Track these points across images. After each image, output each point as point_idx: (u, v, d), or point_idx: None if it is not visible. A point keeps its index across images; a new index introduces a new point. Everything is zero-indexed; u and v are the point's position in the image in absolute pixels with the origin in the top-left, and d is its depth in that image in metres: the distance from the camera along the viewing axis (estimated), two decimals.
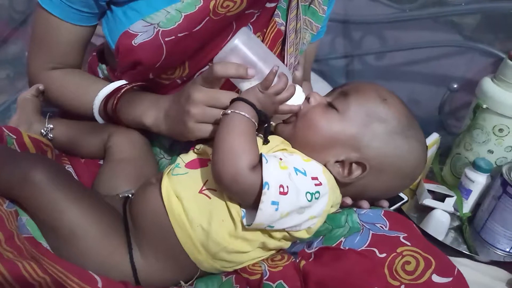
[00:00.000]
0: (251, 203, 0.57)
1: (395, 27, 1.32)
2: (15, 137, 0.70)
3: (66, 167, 0.77)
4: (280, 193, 0.55)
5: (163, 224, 0.60)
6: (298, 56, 0.84)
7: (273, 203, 0.55)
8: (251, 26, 0.77)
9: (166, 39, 0.69)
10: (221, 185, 0.57)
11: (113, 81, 0.79)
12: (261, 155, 0.58)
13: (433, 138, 1.06)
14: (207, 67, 0.77)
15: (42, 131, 0.78)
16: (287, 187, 0.56)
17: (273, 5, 0.79)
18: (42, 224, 0.60)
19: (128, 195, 0.68)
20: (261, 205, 0.55)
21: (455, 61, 1.26)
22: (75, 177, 0.76)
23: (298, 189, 0.57)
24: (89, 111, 0.78)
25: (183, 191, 0.61)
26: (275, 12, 0.80)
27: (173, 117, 0.68)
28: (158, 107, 0.71)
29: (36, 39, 0.79)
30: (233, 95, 0.63)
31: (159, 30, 0.69)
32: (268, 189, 0.55)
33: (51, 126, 0.78)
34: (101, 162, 0.80)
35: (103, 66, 0.83)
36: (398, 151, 0.64)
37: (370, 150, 0.63)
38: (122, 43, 0.71)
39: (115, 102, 0.74)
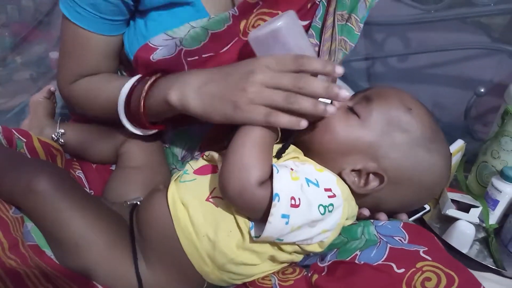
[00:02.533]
0: (259, 217, 0.55)
1: (419, 29, 1.29)
2: (25, 140, 0.69)
3: (76, 172, 0.76)
4: (291, 205, 0.53)
5: (168, 233, 0.59)
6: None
7: (284, 216, 0.52)
8: None
9: (189, 59, 0.65)
10: (226, 198, 0.55)
11: None
12: (271, 165, 0.55)
13: (458, 145, 1.01)
14: None
15: (53, 135, 0.77)
16: (299, 199, 0.53)
17: (305, 23, 0.75)
18: (46, 234, 0.59)
19: (136, 203, 0.67)
20: (270, 218, 0.52)
21: (482, 63, 1.22)
22: (85, 182, 0.76)
23: (310, 201, 0.54)
24: (113, 109, 0.70)
25: (189, 198, 0.59)
26: (309, 32, 0.75)
27: (214, 92, 0.57)
28: (186, 80, 0.60)
29: (66, 51, 0.75)
30: (298, 76, 0.55)
31: (182, 49, 0.65)
32: (278, 201, 0.52)
33: (62, 131, 0.78)
34: (112, 167, 0.79)
35: (121, 66, 0.80)
36: (419, 165, 0.61)
37: (388, 161, 0.60)
38: (141, 56, 0.68)
39: (146, 87, 0.64)
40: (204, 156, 0.65)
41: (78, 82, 0.76)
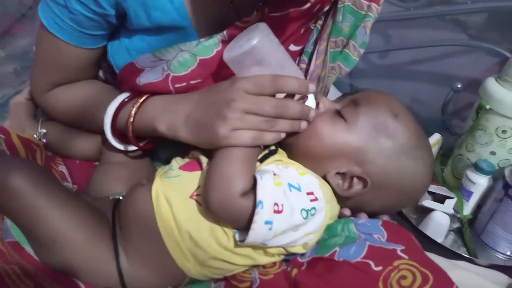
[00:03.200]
0: (243, 225, 0.55)
1: (399, 26, 1.30)
2: (3, 137, 0.67)
3: (59, 168, 0.75)
4: (275, 211, 0.53)
5: (150, 228, 0.59)
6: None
7: (267, 222, 0.53)
8: None
9: (177, 85, 0.64)
10: (210, 210, 0.55)
11: (113, 82, 0.74)
12: (254, 174, 0.56)
13: (435, 139, 1.04)
14: None
15: (35, 136, 0.76)
16: (282, 205, 0.53)
17: (297, 48, 0.74)
18: (24, 231, 0.58)
19: (119, 198, 0.66)
20: (253, 225, 0.53)
21: (460, 60, 1.24)
22: (68, 178, 0.75)
23: (292, 206, 0.54)
24: (96, 124, 0.69)
25: (173, 194, 0.59)
26: (301, 57, 0.74)
27: (199, 121, 0.59)
28: (173, 110, 0.62)
29: (42, 62, 0.72)
30: (278, 102, 0.57)
31: (169, 74, 0.63)
32: (262, 208, 0.52)
33: (44, 130, 0.77)
34: (96, 163, 0.78)
35: (105, 65, 0.78)
36: (403, 171, 0.61)
37: (373, 166, 0.61)
38: (125, 77, 0.65)
39: (133, 113, 0.64)
40: (190, 154, 0.65)
41: (54, 91, 0.74)
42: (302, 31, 0.72)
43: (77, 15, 0.64)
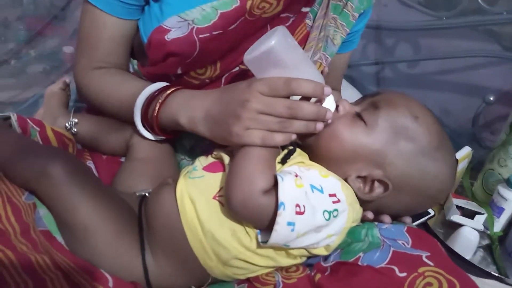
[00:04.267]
0: (265, 226, 0.55)
1: (429, 35, 1.28)
2: (38, 129, 0.70)
3: (87, 163, 0.77)
4: (296, 212, 0.53)
5: (175, 227, 0.59)
6: (328, 58, 0.81)
7: (289, 223, 0.53)
8: None
9: (200, 36, 0.68)
10: (231, 209, 0.56)
11: (143, 77, 0.78)
12: (275, 175, 0.56)
13: (465, 152, 1.01)
14: (237, 68, 0.76)
15: (67, 125, 0.79)
16: (304, 206, 0.53)
17: (308, 9, 0.78)
18: (57, 219, 0.60)
19: (145, 194, 0.68)
20: (276, 226, 0.53)
21: (491, 72, 1.21)
22: (95, 173, 0.77)
23: (314, 208, 0.54)
24: (124, 110, 0.74)
25: (197, 195, 0.60)
26: (308, 15, 0.79)
27: (216, 119, 0.63)
28: (194, 105, 0.66)
29: (82, 36, 0.78)
30: (292, 103, 0.58)
31: (193, 27, 0.68)
32: (284, 209, 0.52)
33: (76, 120, 0.79)
34: (122, 159, 0.80)
35: (134, 61, 0.82)
36: (424, 174, 0.61)
37: (394, 169, 0.60)
38: (154, 37, 0.70)
39: (157, 108, 0.68)
40: (213, 154, 0.66)
41: (93, 73, 0.78)
42: None
43: None
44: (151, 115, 0.69)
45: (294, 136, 0.60)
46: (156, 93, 0.70)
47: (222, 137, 0.62)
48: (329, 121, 0.61)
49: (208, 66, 0.74)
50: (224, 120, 0.61)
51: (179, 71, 0.73)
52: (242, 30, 0.70)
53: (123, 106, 0.74)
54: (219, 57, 0.73)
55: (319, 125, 0.60)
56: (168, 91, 0.69)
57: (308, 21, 0.79)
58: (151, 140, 0.74)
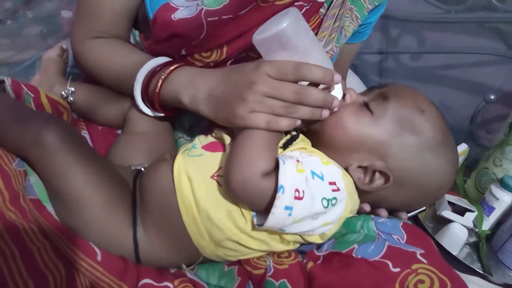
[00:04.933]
0: (263, 208, 0.54)
1: (435, 28, 1.27)
2: (32, 95, 0.68)
3: (82, 132, 0.76)
4: (295, 197, 0.52)
5: (170, 203, 0.59)
6: (337, 47, 0.79)
7: (287, 207, 0.52)
8: None
9: (209, 19, 0.66)
10: (230, 190, 0.55)
11: (144, 49, 0.75)
12: (277, 158, 0.55)
13: (462, 149, 1.02)
14: (244, 54, 0.74)
15: (63, 93, 0.77)
16: (303, 191, 0.53)
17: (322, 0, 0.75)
18: (48, 187, 0.59)
19: (140, 169, 0.67)
20: (273, 209, 0.52)
21: (494, 70, 1.20)
22: (90, 143, 0.75)
23: (314, 194, 0.54)
24: (123, 83, 0.72)
25: (194, 173, 0.59)
26: (323, 5, 0.76)
27: (220, 99, 0.61)
28: (197, 84, 0.64)
29: (82, 5, 0.75)
30: (299, 88, 0.57)
31: (202, 8, 0.66)
32: (283, 192, 0.52)
33: (72, 89, 0.77)
34: (118, 131, 0.78)
35: (136, 32, 0.79)
36: (425, 169, 0.60)
37: (396, 161, 0.60)
38: (161, 15, 0.67)
39: (159, 84, 0.66)
40: (213, 134, 0.65)
41: (91, 42, 0.75)
42: None
43: None
44: (153, 91, 0.67)
45: (299, 122, 0.59)
46: (158, 68, 0.67)
47: (225, 118, 0.60)
48: (336, 109, 0.60)
49: (214, 50, 0.71)
50: (229, 101, 0.59)
51: (183, 52, 0.71)
52: (253, 16, 0.67)
53: (123, 79, 0.71)
54: (226, 41, 0.71)
55: (325, 112, 0.59)
56: (171, 67, 0.67)
57: (322, 10, 0.76)
58: (147, 115, 0.72)
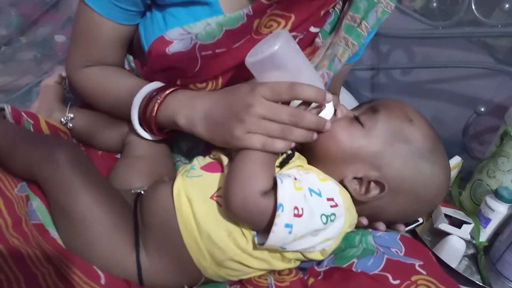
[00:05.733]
0: (263, 227, 0.55)
1: (425, 44, 1.29)
2: (32, 122, 0.70)
3: None
4: (295, 215, 0.53)
5: (170, 225, 0.59)
6: (330, 74, 0.79)
7: (287, 225, 0.53)
8: None
9: (203, 53, 0.67)
10: (230, 211, 0.56)
11: (139, 75, 0.76)
12: (275, 177, 0.56)
13: (455, 161, 1.03)
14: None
15: (62, 119, 0.78)
16: (302, 209, 0.54)
17: (316, 30, 0.77)
18: (55, 207, 0.60)
19: (141, 192, 0.67)
20: (274, 228, 0.53)
21: (484, 83, 1.22)
22: None
23: (312, 211, 0.55)
24: (120, 109, 0.73)
25: (194, 193, 0.60)
26: (317, 35, 0.77)
27: (217, 120, 0.62)
28: (193, 105, 0.65)
29: (77, 35, 0.76)
30: (294, 111, 0.58)
31: (196, 42, 0.66)
32: (282, 211, 0.53)
33: (71, 115, 0.78)
34: (118, 156, 0.79)
35: (130, 57, 0.81)
36: (419, 175, 0.62)
37: (390, 170, 0.61)
38: (155, 48, 0.68)
39: (156, 108, 0.67)
40: (211, 155, 0.66)
41: (87, 70, 0.76)
42: (322, 13, 0.75)
43: None
44: (149, 115, 0.68)
45: (293, 144, 0.60)
46: (155, 92, 0.68)
47: (222, 139, 0.61)
48: (327, 129, 0.62)
49: (209, 81, 0.72)
50: (225, 122, 0.60)
51: (179, 82, 0.72)
52: (247, 48, 0.67)
53: (119, 105, 0.72)
54: (221, 73, 0.72)
55: (315, 135, 0.61)
56: (167, 91, 0.68)
57: (317, 40, 0.78)
58: (146, 139, 0.73)
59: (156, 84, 0.70)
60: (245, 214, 0.55)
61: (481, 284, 0.89)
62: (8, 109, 0.68)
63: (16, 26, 1.49)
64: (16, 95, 1.26)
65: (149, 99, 0.68)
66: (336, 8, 0.78)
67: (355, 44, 0.78)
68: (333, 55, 0.76)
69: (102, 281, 0.53)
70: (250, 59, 0.60)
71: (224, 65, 0.70)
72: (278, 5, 0.67)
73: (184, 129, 0.66)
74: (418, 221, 0.82)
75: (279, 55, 0.57)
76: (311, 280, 0.58)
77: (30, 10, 1.51)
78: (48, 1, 1.48)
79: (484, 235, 0.98)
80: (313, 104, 0.61)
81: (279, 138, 0.59)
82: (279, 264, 0.60)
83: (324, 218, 0.55)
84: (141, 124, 0.71)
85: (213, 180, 0.61)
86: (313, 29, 0.76)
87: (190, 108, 0.65)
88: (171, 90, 0.68)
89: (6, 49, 1.49)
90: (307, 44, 0.77)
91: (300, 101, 0.60)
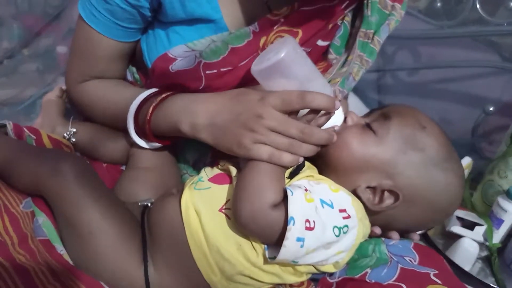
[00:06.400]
0: (274, 241, 0.54)
1: (430, 44, 1.28)
2: (34, 137, 0.70)
3: None
4: (306, 228, 0.52)
5: (179, 238, 0.58)
6: (344, 92, 0.78)
7: (299, 239, 0.52)
8: None
9: (207, 72, 0.66)
10: (239, 224, 0.55)
11: (143, 86, 0.76)
12: (285, 188, 0.55)
13: (466, 162, 1.01)
14: None
15: (65, 134, 0.77)
16: (314, 222, 0.53)
17: (325, 44, 0.75)
18: (61, 221, 0.59)
19: (147, 204, 0.67)
20: (285, 242, 0.52)
21: (491, 82, 1.21)
22: None
23: (324, 223, 0.53)
24: (120, 120, 0.71)
25: (202, 206, 0.59)
26: (328, 50, 0.76)
27: (224, 127, 0.60)
28: (196, 110, 0.63)
29: (76, 51, 0.76)
30: (305, 128, 0.58)
31: (201, 61, 0.66)
32: (293, 224, 0.51)
33: (74, 130, 0.78)
34: (123, 167, 0.79)
35: (133, 69, 0.80)
36: (433, 183, 0.60)
37: (404, 179, 0.60)
38: (158, 65, 0.68)
39: (150, 111, 0.66)
40: (219, 165, 0.65)
41: (86, 84, 0.76)
42: (330, 26, 0.74)
43: (113, 5, 0.67)
44: (143, 119, 0.67)
45: (301, 159, 0.59)
46: (151, 95, 0.68)
47: (228, 146, 0.60)
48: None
49: None
50: (233, 130, 0.59)
51: None
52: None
53: (119, 117, 0.71)
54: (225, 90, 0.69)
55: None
56: (163, 95, 0.67)
57: (331, 56, 0.76)
58: (147, 148, 0.72)
59: (153, 90, 0.70)
60: (254, 227, 0.54)
61: (495, 286, 0.87)
62: (9, 126, 0.69)
63: (19, 39, 1.49)
64: (20, 107, 1.27)
65: (144, 102, 0.68)
66: (345, 21, 0.77)
67: (368, 61, 0.77)
68: (347, 73, 0.75)
69: None
70: (256, 67, 0.59)
71: (228, 84, 0.68)
72: (285, 21, 0.67)
73: (188, 136, 0.64)
74: None
75: (285, 62, 0.56)
76: None
77: (32, 22, 1.51)
78: (50, 13, 1.49)
79: (497, 237, 0.96)
80: (322, 111, 0.60)
81: (287, 151, 0.58)
82: (290, 278, 0.59)
83: (336, 231, 0.54)
84: (138, 133, 0.70)
85: (222, 192, 0.60)
86: (320, 43, 0.75)
87: (193, 114, 0.63)
88: (167, 94, 0.67)
89: (8, 62, 1.49)
90: (315, 58, 0.75)
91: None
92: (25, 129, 0.70)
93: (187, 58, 0.66)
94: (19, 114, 1.24)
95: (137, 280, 0.59)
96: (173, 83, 0.67)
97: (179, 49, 0.67)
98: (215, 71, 0.66)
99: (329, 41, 0.76)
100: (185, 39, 0.67)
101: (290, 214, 0.52)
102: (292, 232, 0.51)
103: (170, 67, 0.66)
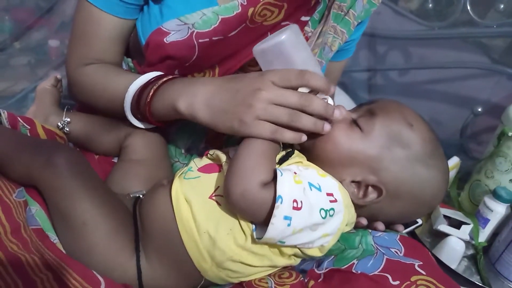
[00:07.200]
0: (262, 219, 0.55)
1: (421, 44, 1.30)
2: (29, 127, 0.69)
3: None
4: (293, 208, 0.53)
5: (170, 228, 0.59)
6: (322, 62, 0.81)
7: (286, 217, 0.53)
8: None
9: (200, 40, 0.68)
10: (230, 201, 0.56)
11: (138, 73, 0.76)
12: (275, 169, 0.56)
13: (454, 162, 1.03)
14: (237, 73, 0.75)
15: (59, 124, 0.77)
16: (301, 202, 0.54)
17: (307, 18, 0.78)
18: (55, 211, 0.59)
19: (139, 196, 0.67)
20: (273, 219, 0.53)
21: (481, 83, 1.23)
22: None
23: (312, 205, 0.54)
24: (120, 106, 0.72)
25: (193, 195, 0.59)
26: (307, 23, 0.79)
27: (222, 106, 0.60)
28: (194, 91, 0.63)
29: (76, 32, 0.76)
30: (303, 95, 0.58)
31: (193, 31, 0.68)
32: (281, 203, 0.53)
33: (68, 119, 0.78)
34: (114, 160, 0.79)
35: (128, 59, 0.81)
36: (417, 179, 0.61)
37: (388, 174, 0.61)
38: (153, 39, 0.69)
39: (151, 93, 0.66)
40: (208, 154, 0.66)
41: (85, 69, 0.77)
42: (312, 2, 0.77)
43: None
44: (144, 101, 0.68)
45: (304, 138, 0.60)
46: (152, 79, 0.69)
47: (227, 125, 0.60)
48: (338, 117, 0.62)
49: (206, 70, 0.73)
50: (232, 108, 0.59)
51: (176, 73, 0.72)
52: (242, 37, 0.70)
53: (116, 99, 0.72)
54: (218, 62, 0.73)
55: (327, 126, 0.61)
56: (164, 78, 0.68)
57: (307, 28, 0.79)
58: (141, 128, 0.73)
59: (155, 73, 0.70)
60: (244, 205, 0.55)
61: (480, 284, 0.89)
62: (4, 115, 0.68)
63: (10, 32, 1.48)
64: (11, 101, 1.26)
65: (145, 86, 0.68)
66: None
67: (344, 31, 0.80)
68: (323, 44, 0.77)
69: (102, 286, 0.53)
70: (258, 47, 0.61)
71: (221, 53, 0.71)
72: None
73: (185, 116, 0.63)
74: (417, 222, 0.81)
75: (285, 45, 0.58)
76: (311, 283, 0.58)
77: (24, 15, 1.51)
78: (42, 6, 1.48)
79: (483, 236, 0.98)
80: (318, 95, 0.61)
81: (288, 124, 0.58)
82: (278, 259, 0.59)
83: (323, 213, 0.55)
84: (135, 114, 0.71)
85: (211, 180, 0.61)
86: (304, 18, 0.78)
87: (190, 94, 0.63)
88: (168, 77, 0.68)
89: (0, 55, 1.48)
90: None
91: (306, 90, 0.61)
92: (19, 119, 0.69)
93: (180, 31, 0.68)
94: (11, 107, 1.23)
95: (129, 271, 0.59)
96: (167, 55, 0.69)
97: (172, 23, 0.69)
98: (207, 39, 0.68)
99: (310, 17, 0.79)
100: (177, 14, 0.69)
101: (278, 193, 0.53)
102: (280, 210, 0.53)
103: (164, 39, 0.68)
